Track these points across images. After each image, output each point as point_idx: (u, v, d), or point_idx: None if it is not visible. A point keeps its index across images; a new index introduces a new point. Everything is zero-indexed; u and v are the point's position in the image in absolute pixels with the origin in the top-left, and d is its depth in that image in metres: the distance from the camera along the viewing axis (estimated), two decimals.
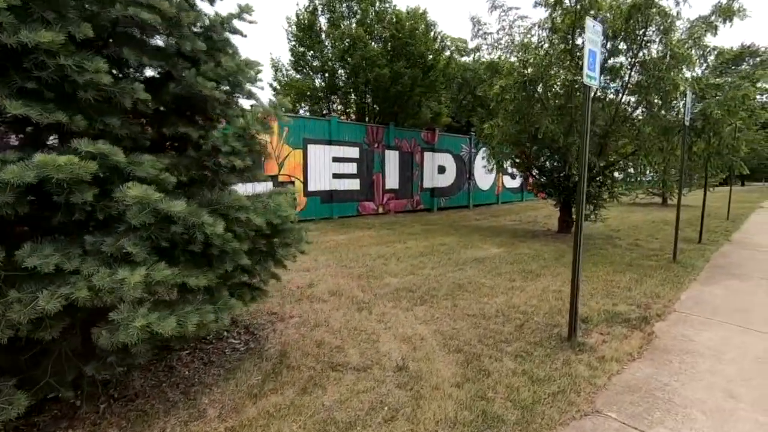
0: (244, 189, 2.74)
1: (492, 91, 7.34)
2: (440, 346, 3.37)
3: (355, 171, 10.72)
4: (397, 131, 11.73)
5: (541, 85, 7.10)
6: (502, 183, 15.96)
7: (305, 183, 9.67)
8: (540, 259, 6.76)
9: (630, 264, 6.34)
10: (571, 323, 3.39)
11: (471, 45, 9.62)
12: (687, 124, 6.00)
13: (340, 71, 11.76)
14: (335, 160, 10.16)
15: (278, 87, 12.30)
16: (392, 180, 11.70)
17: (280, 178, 9.20)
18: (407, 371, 2.96)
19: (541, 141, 7.83)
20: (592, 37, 3.01)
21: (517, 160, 9.49)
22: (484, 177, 14.74)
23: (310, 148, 9.65)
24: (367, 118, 12.84)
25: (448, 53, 10.55)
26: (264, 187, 3.18)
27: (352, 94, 12.42)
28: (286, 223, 2.75)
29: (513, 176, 15.70)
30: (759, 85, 6.38)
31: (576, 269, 3.33)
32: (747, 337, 3.67)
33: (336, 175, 10.20)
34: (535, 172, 9.36)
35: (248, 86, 3.00)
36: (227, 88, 2.74)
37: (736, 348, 3.43)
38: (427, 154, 12.68)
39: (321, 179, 9.95)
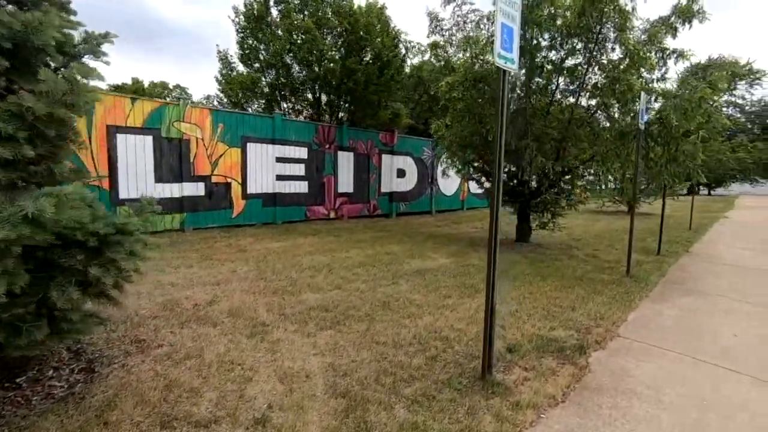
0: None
1: (440, 88, 6.82)
2: (325, 387, 2.73)
3: (303, 173, 10.02)
4: (352, 132, 11.11)
5: (489, 85, 6.61)
6: (468, 188, 15.54)
7: (244, 184, 8.92)
8: None
9: (581, 278, 5.88)
10: (485, 360, 2.81)
11: (428, 41, 9.12)
12: (641, 127, 5.60)
13: (295, 67, 11.09)
14: (279, 160, 9.45)
15: (224, 81, 11.49)
16: (346, 183, 11.06)
17: (214, 179, 8.42)
18: (267, 426, 2.30)
19: (493, 144, 7.33)
20: (505, 8, 2.45)
21: (475, 164, 9.01)
22: (448, 182, 14.26)
23: (250, 147, 8.91)
24: (328, 118, 12.20)
25: (403, 50, 10.08)
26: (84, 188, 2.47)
27: (308, 92, 11.75)
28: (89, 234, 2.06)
29: (479, 182, 15.28)
30: (718, 86, 6.04)
31: (490, 296, 2.76)
32: (695, 370, 3.17)
33: (280, 177, 9.48)
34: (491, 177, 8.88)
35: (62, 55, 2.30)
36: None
37: (681, 385, 2.92)
38: (386, 157, 12.10)
39: (263, 181, 9.21)
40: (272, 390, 2.68)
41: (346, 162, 11.00)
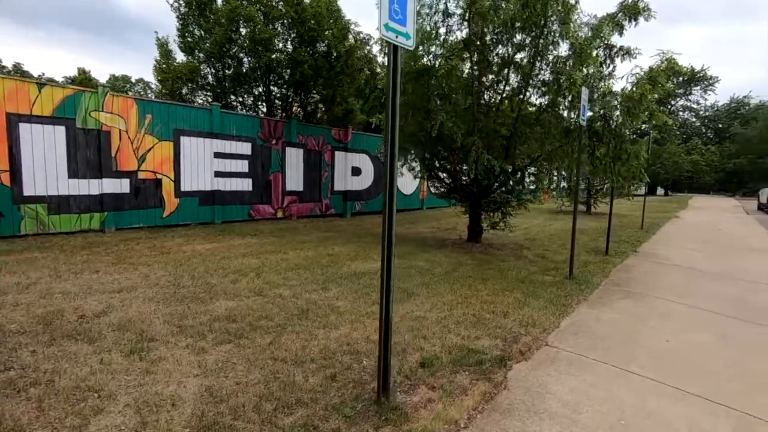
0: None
1: (381, 81, 6.48)
2: (189, 418, 2.31)
3: (246, 169, 9.46)
4: (302, 127, 10.62)
5: (434, 78, 6.33)
6: (428, 187, 15.31)
7: (177, 181, 8.29)
8: (429, 273, 5.95)
9: (523, 280, 5.67)
10: (380, 381, 2.46)
11: (378, 34, 8.77)
12: (582, 124, 5.44)
13: (243, 58, 10.50)
14: (219, 156, 8.86)
15: (161, 71, 10.72)
16: (295, 181, 10.57)
17: (141, 175, 7.76)
18: None
19: (439, 140, 7.07)
20: None
21: (426, 162, 8.72)
22: (406, 180, 13.99)
23: (184, 140, 8.29)
24: (282, 113, 11.66)
25: (354, 42, 9.69)
26: None
27: (258, 85, 11.17)
28: None
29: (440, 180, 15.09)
30: (658, 81, 5.97)
31: (385, 309, 2.40)
32: (619, 384, 2.94)
33: (220, 174, 8.89)
34: (443, 175, 8.64)
35: None
36: None
37: (600, 403, 2.66)
38: (339, 154, 11.68)
39: (199, 178, 8.61)
40: (121, 425, 2.24)
41: (295, 159, 10.51)
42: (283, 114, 11.56)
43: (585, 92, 5.43)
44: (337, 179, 11.75)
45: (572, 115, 6.53)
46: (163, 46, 10.62)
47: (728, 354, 3.59)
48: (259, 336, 3.48)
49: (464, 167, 8.29)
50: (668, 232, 11.65)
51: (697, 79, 57.57)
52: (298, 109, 11.28)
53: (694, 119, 60.80)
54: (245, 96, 11.75)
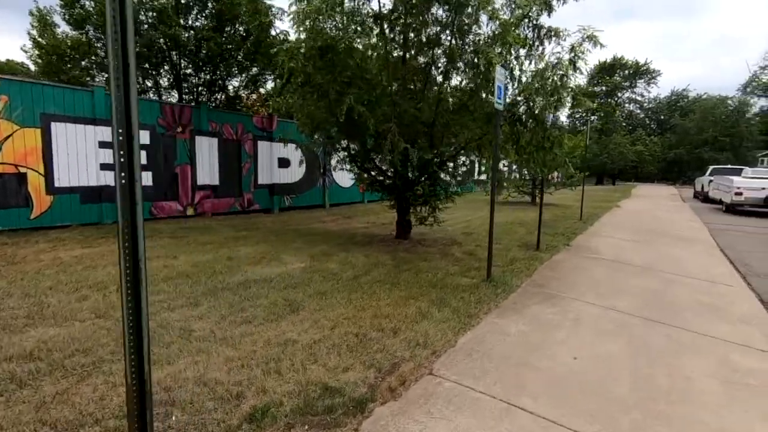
0: None
1: (278, 57, 5.67)
2: None
3: (144, 161, 8.35)
4: (215, 114, 9.57)
5: (339, 55, 5.59)
6: None
7: (48, 176, 7.09)
8: (334, 279, 5.27)
9: (436, 284, 5.09)
10: None
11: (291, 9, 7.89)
12: (498, 107, 4.89)
13: (146, 34, 9.26)
14: (105, 145, 7.70)
15: (36, 46, 9.29)
16: (208, 174, 9.54)
17: None
18: None
19: (352, 126, 6.35)
20: None
21: (341, 152, 7.99)
22: (345, 172, 13.22)
23: (57, 127, 7.09)
24: (199, 100, 10.51)
25: (267, 17, 8.76)
26: None
27: (166, 65, 9.97)
28: None
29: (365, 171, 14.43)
30: (577, 65, 5.54)
31: (134, 349, 1.65)
32: (501, 429, 2.35)
33: (108, 166, 7.74)
34: (368, 165, 7.95)
35: None
36: None
37: None
38: (264, 144, 10.72)
39: (80, 171, 7.43)
40: None
41: (207, 149, 9.47)
42: (197, 100, 10.43)
43: (500, 72, 4.88)
44: (262, 172, 10.80)
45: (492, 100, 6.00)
46: (42, 19, 9.17)
47: (636, 369, 3.14)
48: (50, 383, 2.65)
49: (388, 157, 7.65)
50: (605, 223, 11.62)
51: (641, 72, 60.40)
52: (220, 95, 10.20)
53: (638, 111, 63.87)
54: (158, 78, 10.52)
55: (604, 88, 60.90)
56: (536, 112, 5.53)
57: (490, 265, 5.33)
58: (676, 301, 4.87)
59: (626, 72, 61.47)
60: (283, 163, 11.39)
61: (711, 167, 20.47)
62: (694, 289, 5.44)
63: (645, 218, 12.89)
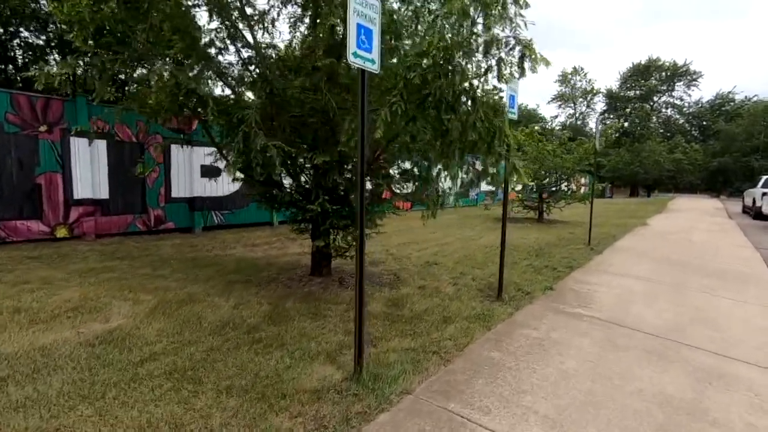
0: None
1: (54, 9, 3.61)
2: None
3: None
4: (99, 109, 7.62)
5: None
6: None
7: None
8: (124, 358, 3.12)
9: (263, 388, 2.83)
10: None
11: None
12: (353, 60, 2.63)
13: None
14: None
15: None
16: (90, 185, 7.60)
17: None
18: None
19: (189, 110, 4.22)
20: None
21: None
22: None
23: None
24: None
25: None
26: None
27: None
28: None
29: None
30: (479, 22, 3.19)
31: None
32: None
33: None
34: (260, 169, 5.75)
35: None
36: None
37: None
38: (180, 148, 8.76)
39: None
40: None
41: (91, 154, 7.55)
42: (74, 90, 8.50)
43: (353, 7, 2.62)
44: (178, 182, 8.81)
45: (392, 60, 3.73)
46: None
47: None
48: None
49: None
50: (621, 249, 8.96)
51: (679, 74, 56.05)
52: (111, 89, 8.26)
53: (677, 116, 59.27)
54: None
55: (637, 92, 56.90)
56: (462, 84, 3.22)
57: (359, 353, 2.98)
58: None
59: (663, 74, 57.29)
60: (210, 172, 9.35)
61: (764, 177, 17.21)
62: (756, 394, 2.96)
63: (677, 242, 10.11)
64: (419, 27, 3.44)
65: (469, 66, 3.06)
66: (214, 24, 4.91)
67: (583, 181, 20.71)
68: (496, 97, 3.52)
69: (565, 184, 14.50)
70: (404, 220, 12.21)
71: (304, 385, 2.89)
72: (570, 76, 61.31)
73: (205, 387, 2.85)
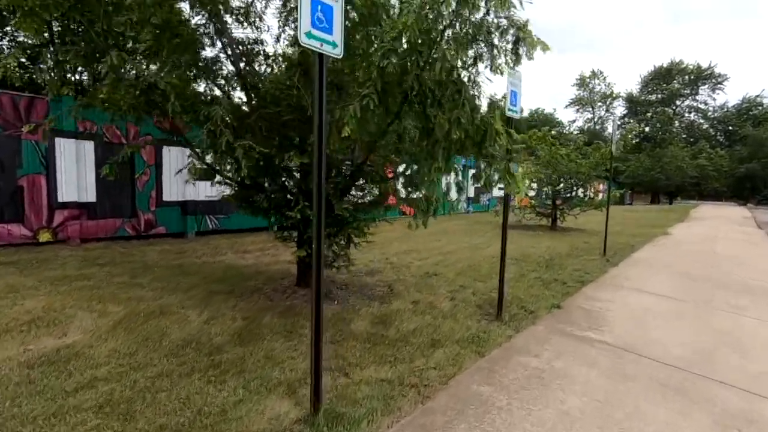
0: None
1: None
2: None
3: None
4: (89, 111, 7.35)
5: None
6: None
7: None
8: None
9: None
10: None
11: None
12: (302, 41, 2.22)
13: None
14: None
15: None
16: (76, 188, 7.35)
17: None
18: None
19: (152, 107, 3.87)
20: None
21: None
22: None
23: None
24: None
25: None
26: None
27: None
28: None
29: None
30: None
31: None
32: None
33: None
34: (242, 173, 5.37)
35: None
36: None
37: None
38: (172, 150, 8.48)
39: None
40: None
41: (75, 156, 7.30)
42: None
43: None
44: (169, 185, 8.54)
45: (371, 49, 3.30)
46: None
47: None
48: None
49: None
50: (639, 262, 8.33)
51: (704, 77, 54.33)
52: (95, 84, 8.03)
53: (701, 120, 57.44)
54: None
55: (659, 95, 55.27)
56: (443, 74, 2.76)
57: (316, 388, 2.54)
58: None
59: (686, 77, 55.60)
60: (204, 174, 9.05)
61: None
62: None
63: (700, 254, 9.40)
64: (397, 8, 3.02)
65: (454, 53, 2.61)
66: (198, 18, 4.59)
67: (601, 187, 19.93)
68: (487, 90, 3.07)
69: (581, 190, 13.84)
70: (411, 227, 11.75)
71: (248, 428, 2.46)
72: (588, 80, 60.12)
73: (134, 425, 2.45)
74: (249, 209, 5.09)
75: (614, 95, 59.03)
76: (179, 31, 3.91)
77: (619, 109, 58.54)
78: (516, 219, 14.33)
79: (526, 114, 50.46)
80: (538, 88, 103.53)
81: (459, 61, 2.69)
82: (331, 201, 4.72)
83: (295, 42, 4.65)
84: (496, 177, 3.06)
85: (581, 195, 13.93)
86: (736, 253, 9.57)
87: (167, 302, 4.92)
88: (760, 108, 51.17)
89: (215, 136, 3.71)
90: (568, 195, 13.69)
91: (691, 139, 52.15)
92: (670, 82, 55.00)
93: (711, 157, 43.49)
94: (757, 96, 52.18)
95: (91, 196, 7.52)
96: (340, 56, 2.43)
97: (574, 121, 65.07)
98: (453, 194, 18.16)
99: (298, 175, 4.80)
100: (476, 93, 3.07)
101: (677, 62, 55.18)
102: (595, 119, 60.90)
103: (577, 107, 61.62)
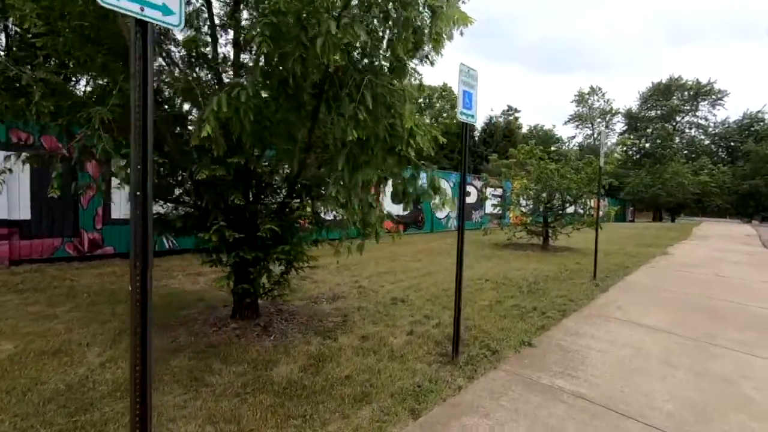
0: None
1: None
2: None
3: None
4: (18, 122, 6.77)
5: None
6: None
7: None
8: None
9: None
10: None
11: None
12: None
13: None
14: None
15: None
16: (8, 205, 6.67)
17: None
18: None
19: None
20: None
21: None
22: None
23: None
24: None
25: None
26: None
27: None
28: None
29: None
30: None
31: None
32: None
33: None
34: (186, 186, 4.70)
35: None
36: None
37: None
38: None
39: None
40: None
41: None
42: None
43: None
44: (120, 201, 7.86)
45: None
46: None
47: None
48: None
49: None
50: (632, 286, 7.56)
51: (703, 93, 53.99)
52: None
53: (702, 137, 56.93)
54: None
55: (659, 111, 54.84)
56: (327, 56, 2.11)
57: None
58: None
59: (686, 93, 55.28)
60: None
61: None
62: None
63: (702, 278, 8.63)
64: None
65: (343, 29, 1.97)
66: None
67: (602, 203, 19.20)
68: (396, 81, 2.40)
69: (574, 206, 13.13)
70: (394, 245, 11.05)
71: None
72: (587, 96, 59.99)
73: None
74: (158, 228, 4.41)
75: (614, 111, 58.77)
76: None
77: (619, 125, 58.23)
78: (506, 237, 13.59)
79: (524, 130, 50.05)
80: (542, 106, 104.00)
81: (354, 38, 2.03)
82: (257, 221, 4.04)
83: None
84: (413, 190, 2.38)
85: (580, 212, 13.20)
86: (741, 277, 8.79)
87: (72, 338, 4.24)
88: (761, 123, 50.67)
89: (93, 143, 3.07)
90: (560, 212, 12.97)
91: (693, 155, 51.53)
92: (670, 98, 54.68)
93: (713, 174, 42.81)
94: (759, 111, 51.73)
95: (24, 213, 6.85)
96: (179, 26, 1.78)
97: (573, 137, 64.72)
98: (440, 213, 17.48)
99: (218, 189, 4.12)
100: (397, 87, 2.40)
101: (676, 78, 54.96)
102: (595, 135, 60.53)
103: (577, 123, 61.35)
